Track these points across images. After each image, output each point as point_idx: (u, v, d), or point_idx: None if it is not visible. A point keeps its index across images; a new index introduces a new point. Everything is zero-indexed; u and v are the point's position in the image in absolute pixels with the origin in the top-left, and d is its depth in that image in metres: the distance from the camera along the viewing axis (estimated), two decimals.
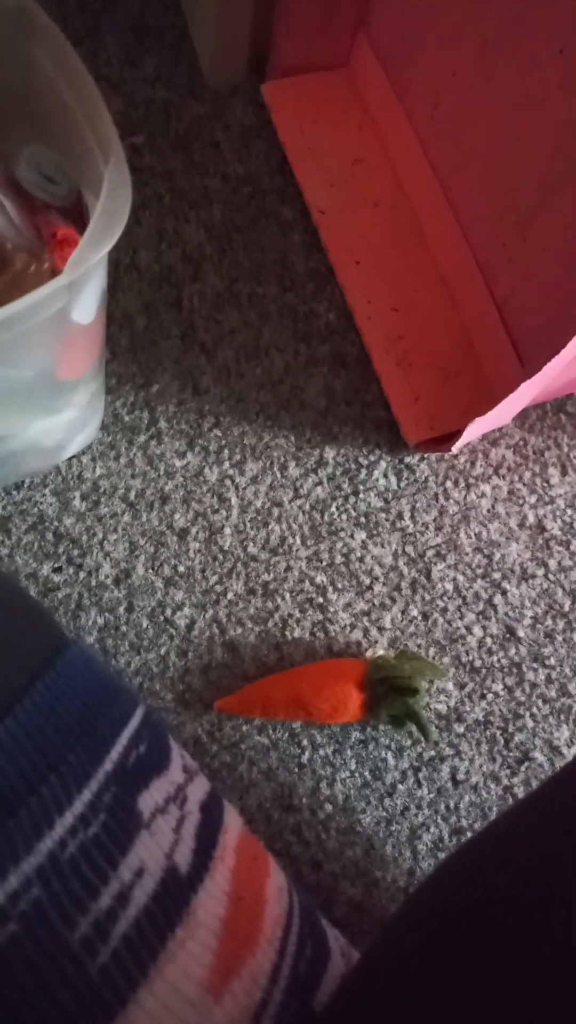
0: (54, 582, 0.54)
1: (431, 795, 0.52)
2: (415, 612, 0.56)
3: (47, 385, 0.44)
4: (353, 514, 0.58)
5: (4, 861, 0.27)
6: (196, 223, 0.63)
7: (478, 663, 0.55)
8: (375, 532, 0.57)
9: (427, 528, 0.58)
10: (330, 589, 0.56)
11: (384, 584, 0.56)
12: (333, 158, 0.65)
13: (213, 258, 0.63)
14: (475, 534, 0.58)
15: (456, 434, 0.56)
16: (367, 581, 0.56)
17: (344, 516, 0.58)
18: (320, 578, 0.56)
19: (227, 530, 0.56)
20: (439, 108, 0.58)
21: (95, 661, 0.36)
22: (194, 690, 0.53)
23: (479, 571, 0.57)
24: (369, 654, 0.54)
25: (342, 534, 0.57)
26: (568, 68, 0.45)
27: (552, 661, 0.56)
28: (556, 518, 0.59)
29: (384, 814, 0.52)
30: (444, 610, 0.56)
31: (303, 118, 0.66)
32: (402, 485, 0.59)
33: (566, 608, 0.57)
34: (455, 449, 0.58)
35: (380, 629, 0.55)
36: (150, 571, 0.55)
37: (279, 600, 0.55)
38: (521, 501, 0.59)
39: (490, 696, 0.55)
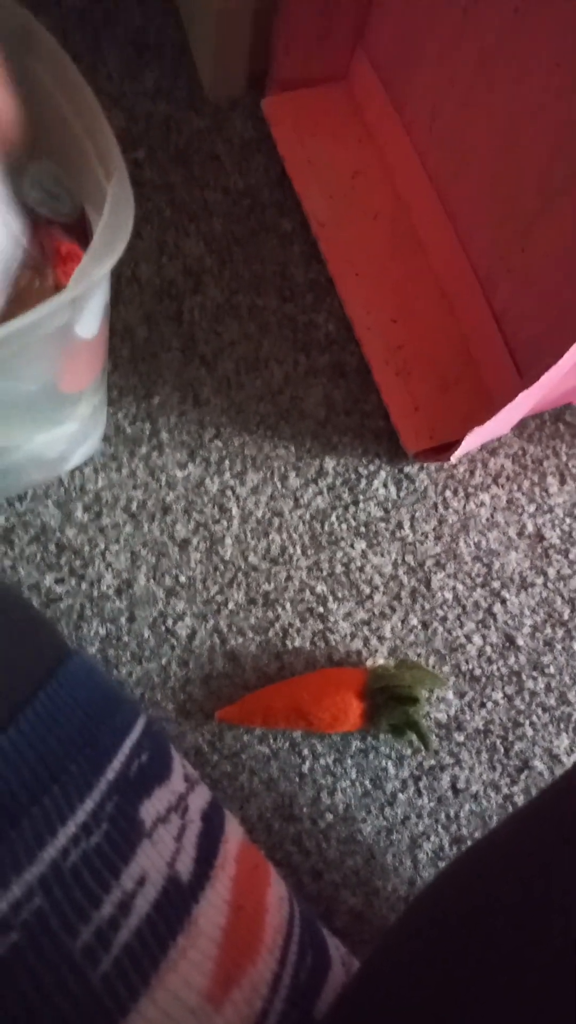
0: (56, 593, 0.54)
1: (431, 804, 0.52)
2: (415, 621, 0.56)
3: (50, 398, 0.44)
4: (353, 524, 0.58)
5: (7, 870, 0.28)
6: (196, 236, 0.64)
7: (478, 672, 0.56)
8: (375, 541, 0.58)
9: (427, 537, 0.58)
10: (330, 599, 0.56)
11: (384, 593, 0.57)
12: (332, 171, 0.66)
13: (213, 271, 0.63)
14: (474, 543, 0.59)
15: (455, 444, 0.56)
16: (367, 590, 0.57)
17: (344, 526, 0.58)
18: (320, 587, 0.56)
19: (228, 540, 0.57)
20: (437, 120, 0.58)
21: (97, 671, 0.37)
22: (195, 700, 0.53)
23: (478, 580, 0.58)
24: (369, 663, 0.54)
25: (342, 544, 0.58)
26: (564, 79, 0.45)
27: (551, 669, 0.56)
28: (555, 527, 0.59)
29: (385, 823, 0.52)
30: (444, 619, 0.56)
31: (302, 131, 0.66)
32: (402, 495, 0.59)
33: (565, 616, 0.57)
34: (454, 459, 0.58)
35: (380, 638, 0.56)
36: (151, 581, 0.55)
37: (280, 610, 0.56)
38: (520, 510, 0.60)
39: (490, 705, 0.55)
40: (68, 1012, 0.27)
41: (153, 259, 0.63)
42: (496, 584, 0.58)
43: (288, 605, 0.56)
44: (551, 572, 0.58)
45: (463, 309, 0.61)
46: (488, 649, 0.56)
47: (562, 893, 0.26)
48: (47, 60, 0.47)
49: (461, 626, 0.56)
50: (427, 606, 0.57)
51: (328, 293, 0.63)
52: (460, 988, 0.26)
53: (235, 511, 0.57)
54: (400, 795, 0.52)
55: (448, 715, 0.54)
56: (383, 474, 0.59)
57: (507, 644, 0.56)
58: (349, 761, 0.53)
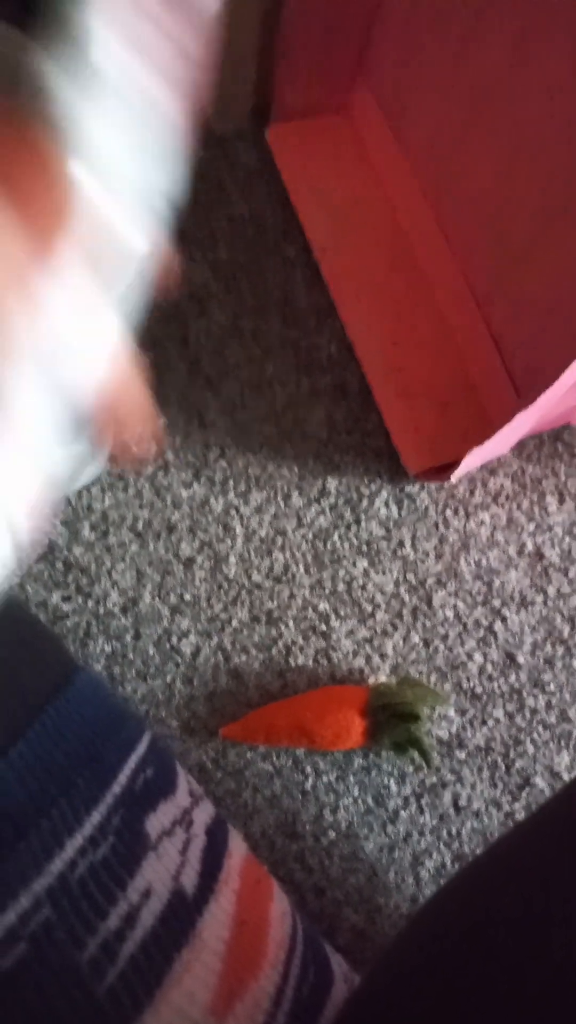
0: (63, 610, 0.55)
1: (433, 821, 0.53)
2: (416, 639, 0.57)
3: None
4: (355, 542, 0.59)
5: (15, 882, 0.28)
6: (202, 262, 0.66)
7: (479, 689, 0.56)
8: (377, 560, 0.59)
9: (428, 556, 0.59)
10: (333, 616, 0.57)
11: (386, 611, 0.57)
12: (334, 197, 0.67)
13: (219, 295, 0.65)
14: (475, 562, 0.59)
15: (455, 463, 0.57)
16: (369, 608, 0.57)
17: (346, 544, 0.59)
18: (323, 606, 0.57)
19: (232, 559, 0.58)
20: (435, 148, 0.60)
21: (103, 688, 0.37)
22: (199, 717, 0.54)
23: (479, 598, 0.58)
24: (371, 681, 0.54)
25: (344, 562, 0.58)
26: (559, 109, 0.47)
27: (552, 687, 0.56)
28: (554, 545, 0.60)
29: (387, 841, 0.52)
30: (445, 637, 0.57)
31: (305, 159, 0.68)
32: (403, 514, 0.60)
33: (565, 634, 0.58)
34: (454, 478, 0.59)
35: (382, 656, 0.56)
36: (157, 599, 0.56)
37: (283, 628, 0.56)
38: (520, 529, 0.60)
39: (491, 722, 0.55)
40: None
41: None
42: (496, 602, 0.58)
43: (291, 623, 0.56)
44: (551, 590, 0.59)
45: (462, 331, 0.62)
46: (489, 667, 0.57)
47: (562, 907, 0.27)
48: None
49: (462, 644, 0.57)
50: (428, 624, 0.57)
51: (330, 316, 0.65)
52: (461, 999, 0.27)
53: (239, 530, 0.58)
54: (402, 812, 0.53)
55: (450, 732, 0.55)
56: (384, 493, 0.60)
57: (508, 662, 0.57)
58: (351, 778, 0.53)
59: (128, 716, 0.37)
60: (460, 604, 0.58)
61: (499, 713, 0.56)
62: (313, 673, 0.55)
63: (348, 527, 0.59)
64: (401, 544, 0.59)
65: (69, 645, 0.54)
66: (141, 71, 0.14)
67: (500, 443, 0.56)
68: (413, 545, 0.59)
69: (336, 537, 0.59)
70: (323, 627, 0.56)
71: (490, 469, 0.62)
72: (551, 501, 0.61)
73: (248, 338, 0.64)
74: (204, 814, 0.36)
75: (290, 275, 0.66)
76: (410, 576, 0.58)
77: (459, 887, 0.32)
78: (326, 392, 0.63)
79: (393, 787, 0.53)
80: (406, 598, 0.58)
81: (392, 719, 0.51)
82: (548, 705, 0.56)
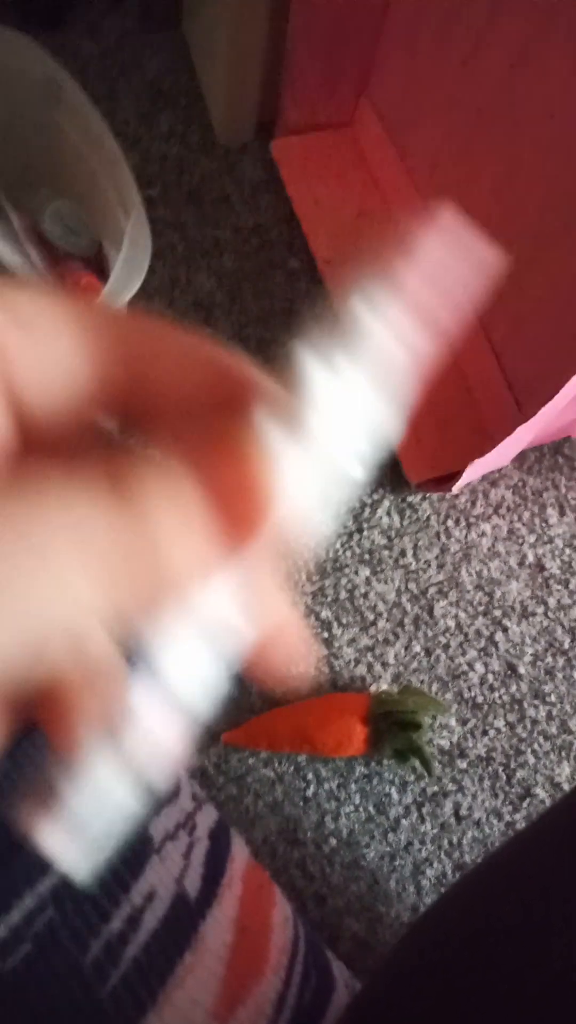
0: None
1: (434, 830, 0.53)
2: (418, 648, 0.57)
3: None
4: (357, 551, 0.59)
5: (20, 882, 0.28)
6: (207, 272, 0.66)
7: (480, 699, 0.56)
8: (379, 569, 0.59)
9: (429, 565, 0.59)
10: (335, 624, 0.57)
11: (387, 620, 0.58)
12: (338, 211, 0.68)
13: (223, 305, 0.65)
14: (476, 572, 0.60)
15: (457, 475, 0.57)
16: (371, 617, 0.58)
17: (348, 553, 0.59)
18: (325, 613, 0.57)
19: None
20: (437, 164, 0.61)
21: None
22: (201, 723, 0.54)
23: (480, 608, 0.59)
24: (373, 689, 0.55)
25: (347, 570, 0.59)
26: (557, 131, 0.48)
27: (553, 698, 0.57)
28: (555, 557, 0.61)
29: (388, 849, 0.52)
30: (446, 646, 0.57)
31: (310, 173, 0.69)
32: (405, 523, 0.60)
33: (566, 645, 0.58)
34: (456, 489, 0.59)
35: (384, 664, 0.56)
36: None
37: None
38: (520, 540, 0.61)
39: (492, 732, 0.55)
40: None
41: (165, 293, 0.65)
42: (497, 613, 0.59)
43: None
44: (552, 602, 0.59)
45: (464, 346, 0.63)
46: (490, 677, 0.57)
47: (562, 915, 0.27)
48: (73, 111, 0.50)
49: (463, 654, 0.57)
50: (430, 633, 0.58)
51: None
52: (461, 1005, 0.27)
53: None
54: (403, 821, 0.53)
55: (451, 742, 0.55)
56: (387, 503, 0.61)
57: (509, 672, 0.57)
58: (353, 786, 0.53)
59: None
60: (461, 614, 0.58)
61: (500, 723, 0.56)
62: (315, 681, 0.56)
63: (351, 535, 0.60)
64: (403, 553, 0.60)
65: None
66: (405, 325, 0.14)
67: (501, 455, 0.57)
68: (415, 554, 0.60)
69: (338, 545, 0.59)
70: (325, 635, 0.57)
71: (491, 480, 0.63)
72: (552, 513, 0.62)
73: (252, 347, 0.64)
74: (207, 818, 0.36)
75: (294, 286, 0.67)
76: (412, 585, 0.59)
77: (460, 895, 0.33)
78: None
79: (394, 795, 0.53)
80: (408, 607, 0.58)
81: (393, 727, 0.51)
82: (549, 716, 0.56)
